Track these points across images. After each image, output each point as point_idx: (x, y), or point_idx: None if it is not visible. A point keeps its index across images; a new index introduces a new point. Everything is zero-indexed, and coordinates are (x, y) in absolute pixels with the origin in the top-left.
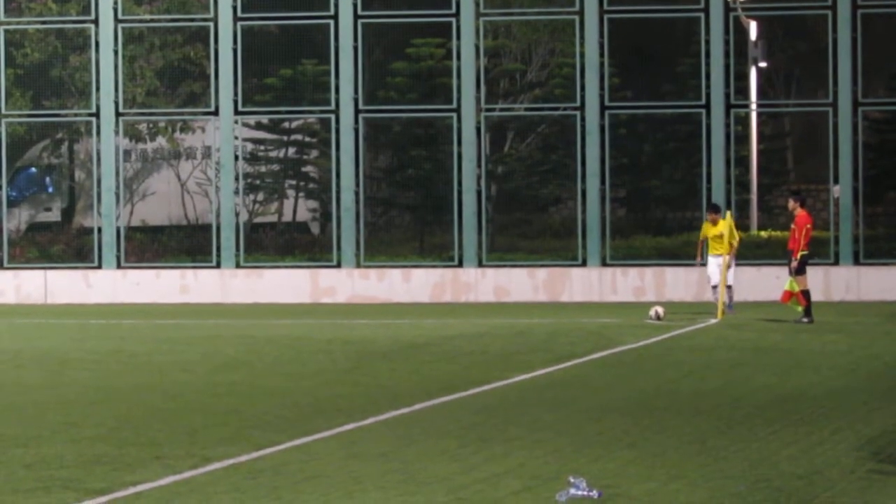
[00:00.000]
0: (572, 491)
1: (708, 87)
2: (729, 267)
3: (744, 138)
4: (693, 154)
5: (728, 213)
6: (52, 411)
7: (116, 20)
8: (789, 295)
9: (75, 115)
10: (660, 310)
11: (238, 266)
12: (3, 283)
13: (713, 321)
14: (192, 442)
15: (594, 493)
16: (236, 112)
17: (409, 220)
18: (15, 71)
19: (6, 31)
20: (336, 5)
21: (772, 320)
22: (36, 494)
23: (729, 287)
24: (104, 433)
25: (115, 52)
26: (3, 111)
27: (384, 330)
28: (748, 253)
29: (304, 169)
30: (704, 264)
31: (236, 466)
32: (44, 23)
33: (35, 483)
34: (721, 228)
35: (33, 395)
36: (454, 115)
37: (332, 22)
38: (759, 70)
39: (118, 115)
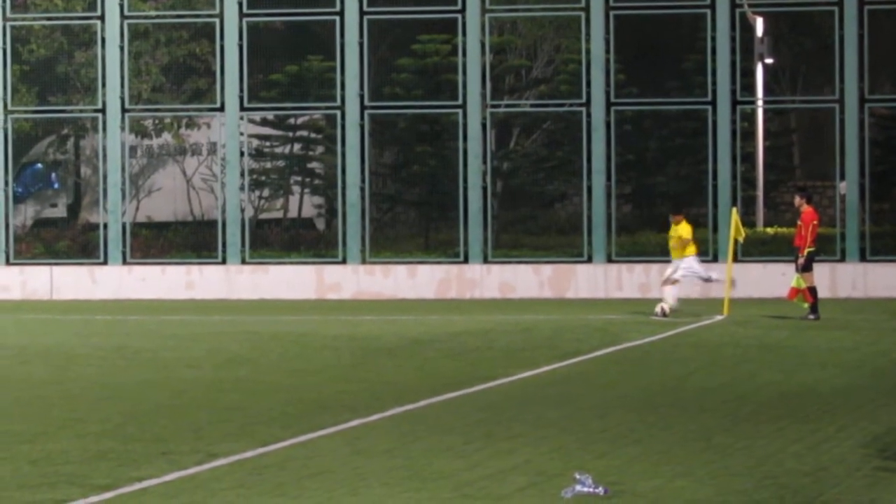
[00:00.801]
0: (578, 487)
1: (714, 83)
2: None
3: (750, 135)
4: (699, 150)
5: (734, 210)
6: (57, 407)
7: (122, 16)
8: (796, 292)
9: (81, 111)
10: (665, 306)
11: (243, 262)
12: (8, 279)
13: (719, 318)
14: (198, 438)
15: (600, 490)
16: (242, 108)
17: (415, 217)
18: (21, 67)
19: (12, 27)
20: (342, 2)
21: (778, 317)
22: (41, 490)
23: (676, 282)
24: (109, 429)
25: (121, 49)
26: (10, 107)
27: (389, 326)
28: (754, 250)
29: (309, 165)
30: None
31: (241, 462)
32: (50, 19)
33: (40, 479)
34: (677, 232)
35: (39, 391)
36: (460, 111)
37: (337, 18)
38: (765, 66)
39: (124, 111)
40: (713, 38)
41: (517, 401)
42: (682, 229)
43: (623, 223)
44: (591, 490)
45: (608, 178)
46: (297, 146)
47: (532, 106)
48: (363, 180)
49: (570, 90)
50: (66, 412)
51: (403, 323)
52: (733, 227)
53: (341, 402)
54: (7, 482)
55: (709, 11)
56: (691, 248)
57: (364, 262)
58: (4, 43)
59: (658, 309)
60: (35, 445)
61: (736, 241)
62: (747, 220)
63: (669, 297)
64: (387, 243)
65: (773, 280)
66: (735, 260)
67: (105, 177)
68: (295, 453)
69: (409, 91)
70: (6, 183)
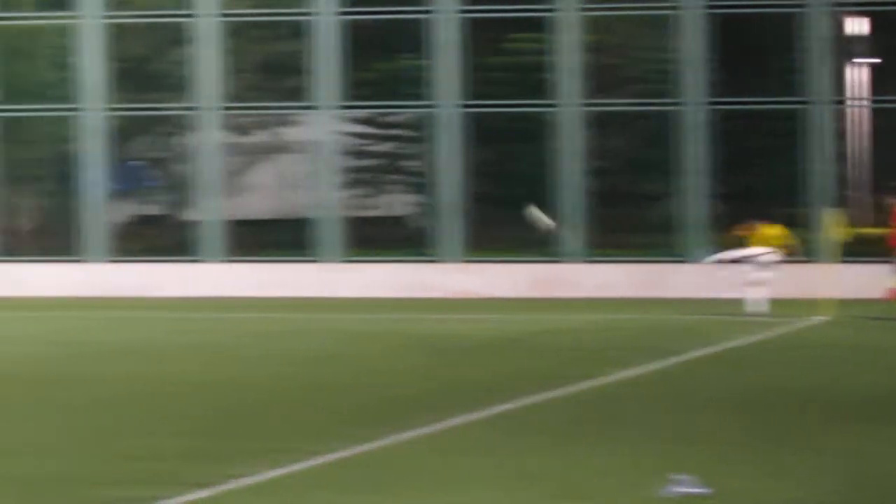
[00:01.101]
0: (676, 488)
1: (811, 82)
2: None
3: (847, 134)
4: (795, 150)
5: (833, 211)
6: (151, 404)
7: (217, 14)
8: (895, 292)
9: (177, 108)
10: (545, 218)
11: (339, 260)
12: (106, 276)
13: (818, 319)
14: (291, 435)
15: (699, 490)
16: (338, 106)
17: (510, 215)
18: (117, 64)
19: (110, 25)
20: (436, 2)
21: (876, 318)
22: (135, 487)
23: (757, 283)
24: (203, 426)
25: (217, 46)
26: (107, 105)
27: (484, 325)
28: (853, 250)
29: (405, 163)
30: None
31: (336, 461)
32: (146, 16)
33: (134, 475)
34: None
35: (133, 388)
36: (554, 109)
37: (432, 16)
38: (862, 66)
39: (220, 108)
40: (810, 37)
41: (611, 401)
42: (775, 231)
43: (719, 223)
44: (690, 490)
45: (704, 178)
46: (392, 144)
47: (627, 105)
48: (459, 179)
49: (666, 89)
50: (159, 409)
51: (498, 322)
52: (833, 227)
53: (435, 401)
54: (101, 479)
55: (806, 10)
56: (762, 242)
57: (460, 260)
58: (101, 41)
59: (754, 307)
60: (129, 442)
61: (836, 242)
62: (845, 221)
63: (753, 296)
64: (483, 242)
65: (871, 281)
66: (836, 260)
67: (201, 174)
68: (389, 452)
69: (503, 89)
70: (105, 181)
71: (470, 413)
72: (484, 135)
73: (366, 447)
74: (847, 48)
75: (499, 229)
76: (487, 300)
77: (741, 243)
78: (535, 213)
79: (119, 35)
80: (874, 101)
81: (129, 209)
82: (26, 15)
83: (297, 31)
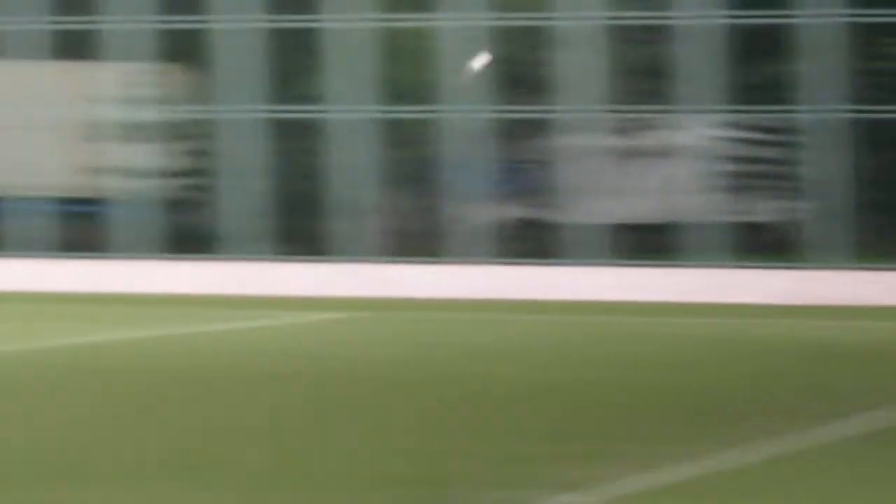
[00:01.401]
0: None
1: None
2: None
3: None
4: None
5: None
6: (509, 406)
7: (596, 17)
8: None
9: (554, 111)
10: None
11: (715, 265)
12: (477, 277)
13: None
14: (658, 439)
15: None
16: (717, 110)
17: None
18: (492, 66)
19: (486, 27)
20: (816, 5)
21: None
22: (503, 489)
23: None
24: (553, 430)
25: (595, 49)
26: (484, 107)
27: (870, 334)
28: None
29: (786, 169)
30: None
31: (715, 468)
32: (522, 19)
33: (500, 477)
34: None
35: (490, 390)
36: None
37: (814, 20)
38: None
39: (597, 111)
40: None
41: None
42: None
43: None
44: None
45: None
46: (773, 149)
47: None
48: (844, 185)
49: None
50: (518, 411)
51: (869, 330)
52: None
53: (795, 409)
54: (469, 478)
55: None
56: None
57: (846, 267)
58: (476, 42)
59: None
60: (490, 443)
61: None
62: None
63: None
64: (871, 249)
65: None
66: None
67: (575, 177)
68: (768, 463)
69: (888, 94)
70: (480, 182)
71: (829, 425)
72: (869, 141)
73: (739, 455)
74: None
75: (887, 236)
76: (877, 308)
77: None
78: (474, 65)
79: (494, 37)
80: None
81: (504, 211)
82: (406, 17)
83: (677, 35)
